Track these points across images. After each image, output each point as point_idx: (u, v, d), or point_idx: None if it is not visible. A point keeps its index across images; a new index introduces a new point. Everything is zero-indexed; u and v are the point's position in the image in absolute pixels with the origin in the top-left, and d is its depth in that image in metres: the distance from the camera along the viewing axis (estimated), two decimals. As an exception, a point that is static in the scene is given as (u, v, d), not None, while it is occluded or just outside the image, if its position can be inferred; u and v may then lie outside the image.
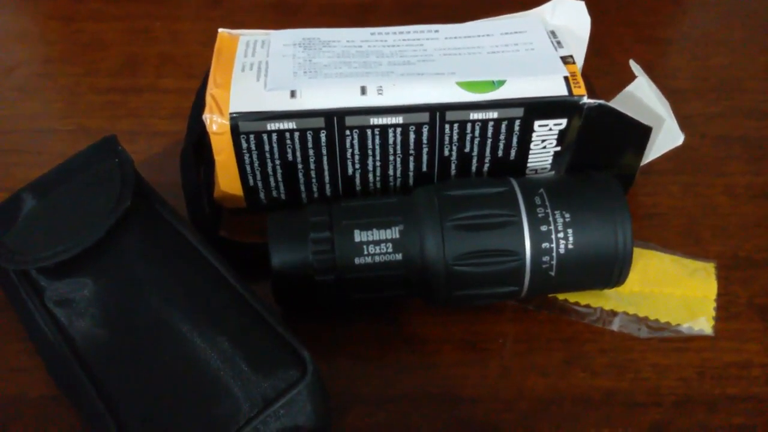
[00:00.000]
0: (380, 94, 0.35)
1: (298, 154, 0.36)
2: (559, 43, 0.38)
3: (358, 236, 0.32)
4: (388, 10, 0.54)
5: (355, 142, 0.36)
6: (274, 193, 0.38)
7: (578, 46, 0.39)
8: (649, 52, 0.51)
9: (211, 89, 0.35)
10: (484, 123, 0.35)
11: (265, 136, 0.35)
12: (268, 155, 0.36)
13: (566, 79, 0.35)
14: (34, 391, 0.33)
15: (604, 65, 0.48)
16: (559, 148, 0.36)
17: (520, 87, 0.35)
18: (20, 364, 0.34)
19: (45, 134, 0.45)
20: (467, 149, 0.36)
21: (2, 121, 0.46)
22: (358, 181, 0.37)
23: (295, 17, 0.54)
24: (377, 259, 0.32)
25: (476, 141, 0.36)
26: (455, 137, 0.36)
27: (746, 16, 0.53)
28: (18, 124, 0.46)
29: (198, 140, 0.39)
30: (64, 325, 0.30)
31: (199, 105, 0.38)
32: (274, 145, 0.35)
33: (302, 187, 0.37)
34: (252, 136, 0.35)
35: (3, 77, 0.49)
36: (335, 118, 0.35)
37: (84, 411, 0.29)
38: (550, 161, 0.37)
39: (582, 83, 0.35)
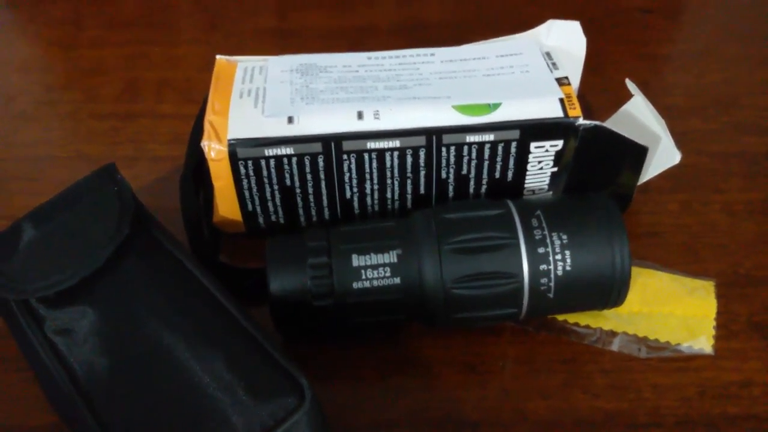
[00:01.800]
0: (377, 118, 0.35)
1: (296, 179, 0.36)
2: (554, 64, 0.38)
3: (356, 261, 0.32)
4: (385, 32, 0.54)
5: (353, 166, 0.36)
6: (273, 218, 0.38)
7: (574, 66, 0.40)
8: (645, 70, 0.51)
9: (210, 116, 0.36)
10: (481, 145, 0.35)
11: (263, 162, 0.35)
12: (266, 180, 0.36)
13: (561, 100, 0.35)
14: (34, 421, 0.33)
15: (600, 84, 0.49)
16: (555, 169, 0.37)
17: (515, 109, 0.35)
18: (20, 393, 0.34)
19: (45, 161, 0.45)
20: (464, 171, 0.36)
21: (3, 149, 0.46)
22: (356, 204, 0.37)
23: (293, 41, 0.54)
24: (375, 283, 0.32)
25: (473, 163, 0.36)
26: (452, 160, 0.36)
27: (742, 32, 0.54)
28: (19, 151, 0.46)
29: (197, 166, 0.39)
30: (64, 354, 0.30)
31: (198, 131, 0.38)
32: (272, 170, 0.36)
33: (301, 212, 0.38)
34: (250, 162, 0.35)
35: (4, 105, 0.49)
36: (332, 143, 0.35)
37: (84, 440, 0.29)
38: (547, 182, 0.37)
39: (577, 105, 0.35)
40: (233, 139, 0.35)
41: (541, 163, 0.36)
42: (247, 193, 0.37)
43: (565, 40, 0.40)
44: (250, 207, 0.37)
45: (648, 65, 0.51)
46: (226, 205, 0.37)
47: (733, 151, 0.44)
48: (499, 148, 0.36)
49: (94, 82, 0.51)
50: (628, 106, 0.41)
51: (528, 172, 0.37)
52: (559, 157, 0.36)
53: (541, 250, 0.32)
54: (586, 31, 0.39)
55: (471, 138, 0.35)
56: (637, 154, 0.37)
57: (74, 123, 0.48)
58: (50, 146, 0.46)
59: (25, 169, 0.45)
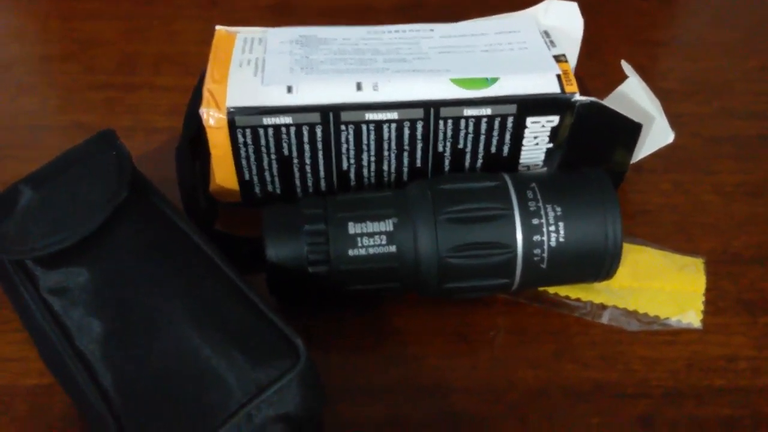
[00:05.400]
0: (375, 90, 0.35)
1: (294, 148, 0.36)
2: (552, 42, 0.38)
3: (353, 228, 0.33)
4: (384, 11, 0.55)
5: (350, 137, 0.36)
6: (270, 188, 0.38)
7: (571, 46, 0.40)
8: (641, 54, 0.51)
9: (209, 84, 0.36)
10: (478, 119, 0.36)
11: (261, 131, 0.35)
12: (264, 149, 0.36)
13: (558, 76, 0.36)
14: (27, 381, 0.33)
15: (596, 67, 0.49)
16: (551, 145, 0.37)
17: (512, 84, 0.35)
18: (14, 354, 0.34)
19: (42, 130, 0.45)
20: (461, 145, 0.37)
21: (0, 118, 0.46)
22: (352, 176, 0.38)
23: (291, 18, 0.54)
24: (371, 251, 0.32)
25: (470, 137, 0.36)
26: (449, 133, 0.36)
27: (737, 18, 0.54)
28: (15, 120, 0.46)
29: (194, 136, 0.39)
30: (58, 313, 0.30)
31: (195, 101, 0.38)
32: (270, 139, 0.36)
33: (297, 182, 0.38)
34: (248, 131, 0.35)
35: (1, 74, 0.49)
36: (331, 114, 0.35)
37: (78, 399, 0.29)
38: (542, 158, 0.38)
39: (574, 81, 0.36)
40: (232, 107, 0.35)
41: (537, 138, 0.37)
42: (244, 162, 0.37)
43: (562, 20, 0.40)
44: (247, 176, 0.37)
45: (644, 50, 0.52)
46: (223, 173, 0.37)
47: (725, 135, 0.45)
48: (496, 123, 0.36)
49: (91, 54, 0.51)
50: (623, 87, 0.41)
51: (524, 147, 0.37)
52: (554, 133, 0.37)
53: (535, 221, 0.32)
54: (584, 15, 0.40)
55: (468, 111, 0.36)
56: (631, 131, 0.37)
57: (71, 93, 0.48)
58: (47, 116, 0.46)
59: (21, 138, 0.45)
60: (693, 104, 0.47)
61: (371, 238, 0.33)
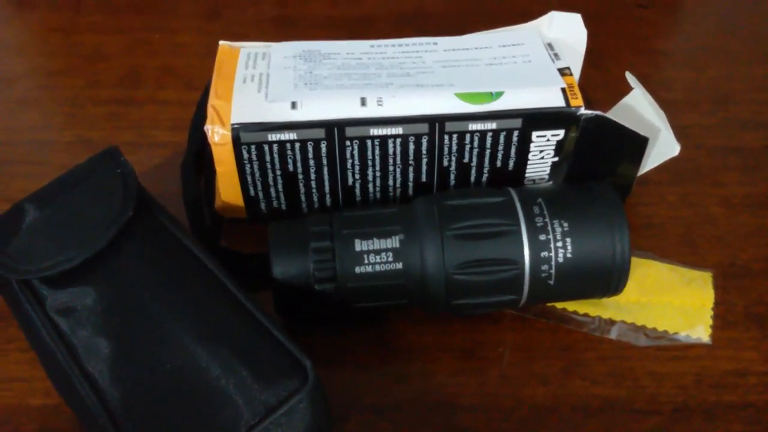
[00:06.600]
0: (380, 105, 0.35)
1: (299, 164, 0.36)
2: (556, 55, 0.38)
3: (359, 245, 0.32)
4: (386, 23, 0.55)
5: (355, 152, 0.36)
6: (275, 204, 0.38)
7: (575, 58, 0.40)
8: (645, 64, 0.51)
9: (213, 100, 0.36)
10: (483, 134, 0.36)
11: (266, 147, 0.35)
12: (269, 166, 0.36)
13: (563, 90, 0.36)
14: (35, 401, 0.33)
15: (600, 78, 0.49)
16: (557, 159, 0.37)
17: (518, 98, 0.35)
18: (22, 373, 0.34)
19: (46, 145, 0.45)
20: (466, 159, 0.37)
21: (3, 133, 0.46)
22: (358, 191, 0.38)
23: (294, 30, 0.54)
24: (378, 268, 0.32)
25: (475, 151, 0.36)
26: (454, 148, 0.36)
27: (741, 28, 0.54)
28: (19, 135, 0.46)
29: (199, 151, 0.39)
30: (66, 334, 0.30)
31: (199, 116, 0.38)
32: (275, 155, 0.36)
33: (303, 198, 0.38)
34: (253, 147, 0.35)
35: (4, 89, 0.49)
36: (335, 129, 0.35)
37: (85, 420, 0.29)
38: (548, 171, 0.37)
39: (579, 94, 0.36)
40: (237, 124, 0.35)
41: (543, 152, 0.37)
42: (249, 179, 0.37)
43: (566, 31, 0.40)
44: (252, 192, 0.37)
45: (647, 60, 0.52)
46: (229, 190, 0.37)
47: (731, 146, 0.45)
48: (501, 137, 0.36)
49: (94, 68, 0.51)
50: (627, 99, 0.41)
51: (529, 161, 0.37)
52: (560, 147, 0.36)
53: (542, 237, 0.32)
54: (586, 25, 0.40)
55: (473, 126, 0.35)
56: (638, 144, 0.37)
57: (74, 108, 0.48)
58: (50, 131, 0.46)
59: (24, 153, 0.45)
60: (697, 115, 0.47)
61: (378, 255, 0.32)
